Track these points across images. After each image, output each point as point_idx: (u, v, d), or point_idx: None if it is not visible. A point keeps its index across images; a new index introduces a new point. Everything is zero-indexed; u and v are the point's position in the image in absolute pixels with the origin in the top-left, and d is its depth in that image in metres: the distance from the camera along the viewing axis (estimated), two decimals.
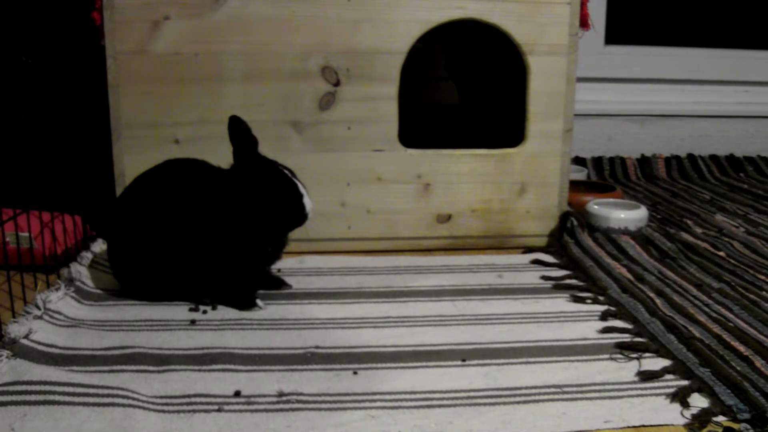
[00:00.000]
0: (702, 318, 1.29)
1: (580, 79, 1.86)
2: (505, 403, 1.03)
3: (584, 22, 1.71)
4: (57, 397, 0.99)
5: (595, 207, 1.80)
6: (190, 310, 1.36)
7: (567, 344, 1.23)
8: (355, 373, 1.12)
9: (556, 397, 1.05)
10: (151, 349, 1.17)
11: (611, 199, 1.90)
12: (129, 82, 1.59)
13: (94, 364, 1.12)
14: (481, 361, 1.16)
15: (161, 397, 1.03)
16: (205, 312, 1.35)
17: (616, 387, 1.08)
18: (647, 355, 1.18)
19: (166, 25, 1.58)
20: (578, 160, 2.59)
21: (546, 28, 1.67)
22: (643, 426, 0.98)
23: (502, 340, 1.24)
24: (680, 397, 1.04)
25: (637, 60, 2.72)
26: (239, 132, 1.32)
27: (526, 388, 1.08)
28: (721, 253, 1.67)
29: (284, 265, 1.59)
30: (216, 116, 1.58)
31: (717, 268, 1.57)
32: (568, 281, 1.53)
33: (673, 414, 1.01)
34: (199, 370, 1.11)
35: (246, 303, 1.37)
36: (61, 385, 1.01)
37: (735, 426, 0.98)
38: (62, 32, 1.78)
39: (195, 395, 1.04)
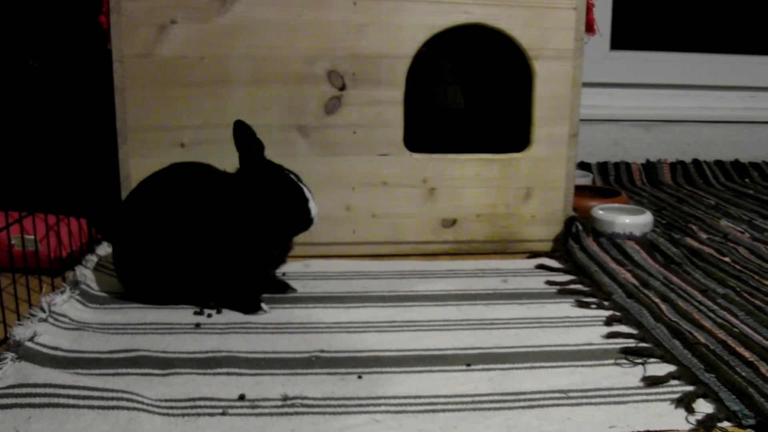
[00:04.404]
0: (707, 323, 1.29)
1: (586, 84, 1.86)
2: (510, 408, 1.03)
3: (590, 27, 1.71)
4: (62, 400, 0.99)
5: (600, 212, 1.80)
6: (195, 313, 1.36)
7: (572, 349, 1.23)
8: (359, 377, 1.12)
9: (561, 402, 1.05)
10: (155, 353, 1.17)
11: (616, 204, 1.90)
12: (135, 86, 1.60)
13: (98, 367, 1.13)
14: (485, 366, 1.16)
15: (166, 401, 1.03)
16: (209, 315, 1.35)
17: (621, 392, 1.08)
18: (652, 360, 1.18)
19: (172, 28, 1.58)
20: (583, 165, 2.59)
21: (552, 33, 1.68)
22: (648, 431, 0.98)
23: (507, 345, 1.24)
24: (685, 403, 1.04)
25: (642, 65, 2.72)
26: (245, 136, 1.32)
27: (531, 392, 1.08)
28: (726, 259, 1.67)
29: (289, 269, 1.59)
30: (222, 120, 1.59)
31: (722, 274, 1.56)
32: (573, 286, 1.52)
33: (678, 419, 1.01)
34: (204, 374, 1.11)
35: (251, 307, 1.37)
36: (65, 387, 1.02)
37: None
38: (69, 35, 1.79)
39: (199, 399, 1.04)
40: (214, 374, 1.11)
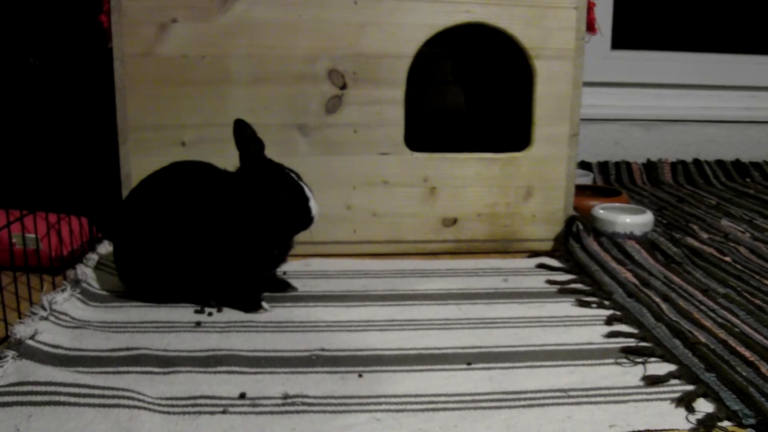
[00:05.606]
0: (707, 323, 1.29)
1: (587, 84, 1.86)
2: (510, 407, 1.03)
3: (591, 27, 1.71)
4: (62, 398, 0.99)
5: (601, 211, 1.80)
6: (196, 312, 1.36)
7: (572, 348, 1.23)
8: (360, 375, 1.12)
9: (561, 401, 1.05)
10: (156, 351, 1.17)
11: (617, 204, 1.90)
12: (136, 85, 1.60)
13: (99, 365, 1.13)
14: (486, 365, 1.16)
15: (166, 399, 1.03)
16: (210, 314, 1.35)
17: (621, 391, 1.08)
18: (652, 359, 1.18)
19: (173, 27, 1.58)
20: (584, 165, 2.59)
21: (553, 33, 1.68)
22: (648, 430, 0.98)
23: (507, 344, 1.24)
24: (685, 402, 1.04)
25: (643, 65, 2.72)
26: (245, 135, 1.32)
27: (531, 392, 1.08)
28: (727, 258, 1.67)
29: (290, 267, 1.59)
30: (222, 119, 1.59)
31: (723, 273, 1.56)
32: (573, 285, 1.52)
33: (679, 419, 1.01)
34: (205, 372, 1.11)
35: (251, 305, 1.37)
36: (66, 386, 1.02)
37: (740, 431, 0.97)
38: (70, 34, 1.79)
39: (200, 397, 1.04)
40: (214, 373, 1.11)
